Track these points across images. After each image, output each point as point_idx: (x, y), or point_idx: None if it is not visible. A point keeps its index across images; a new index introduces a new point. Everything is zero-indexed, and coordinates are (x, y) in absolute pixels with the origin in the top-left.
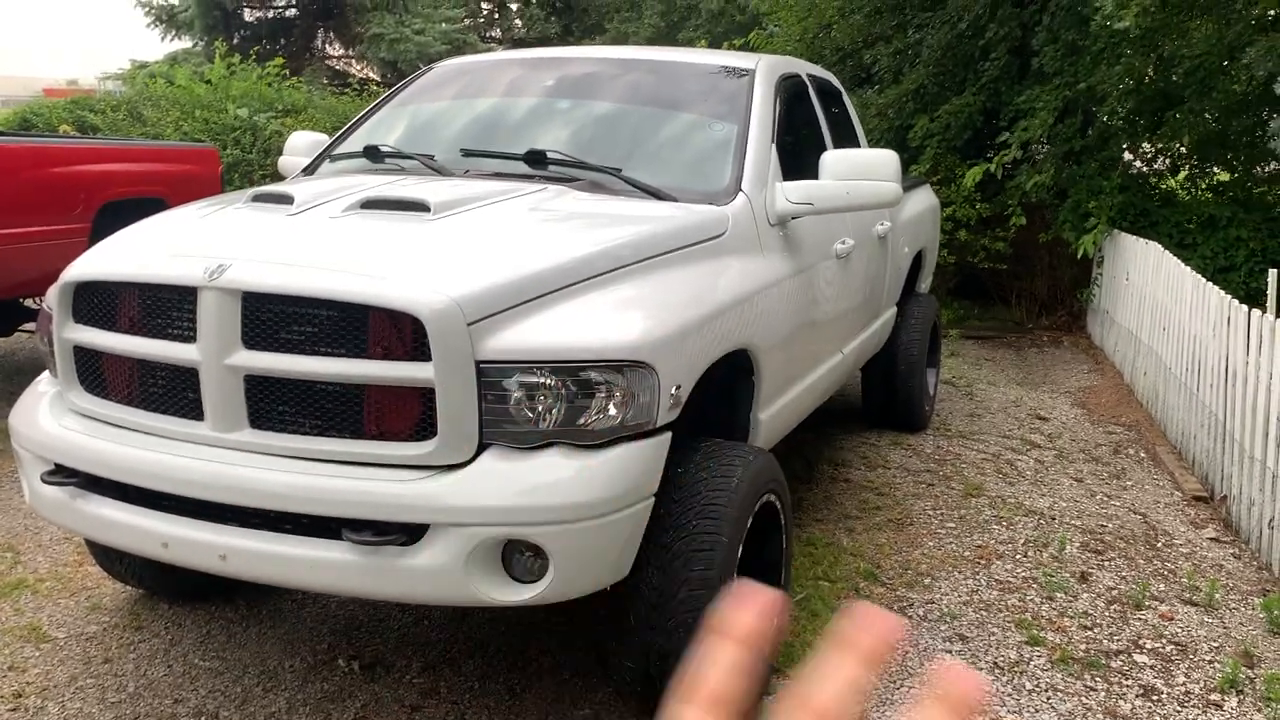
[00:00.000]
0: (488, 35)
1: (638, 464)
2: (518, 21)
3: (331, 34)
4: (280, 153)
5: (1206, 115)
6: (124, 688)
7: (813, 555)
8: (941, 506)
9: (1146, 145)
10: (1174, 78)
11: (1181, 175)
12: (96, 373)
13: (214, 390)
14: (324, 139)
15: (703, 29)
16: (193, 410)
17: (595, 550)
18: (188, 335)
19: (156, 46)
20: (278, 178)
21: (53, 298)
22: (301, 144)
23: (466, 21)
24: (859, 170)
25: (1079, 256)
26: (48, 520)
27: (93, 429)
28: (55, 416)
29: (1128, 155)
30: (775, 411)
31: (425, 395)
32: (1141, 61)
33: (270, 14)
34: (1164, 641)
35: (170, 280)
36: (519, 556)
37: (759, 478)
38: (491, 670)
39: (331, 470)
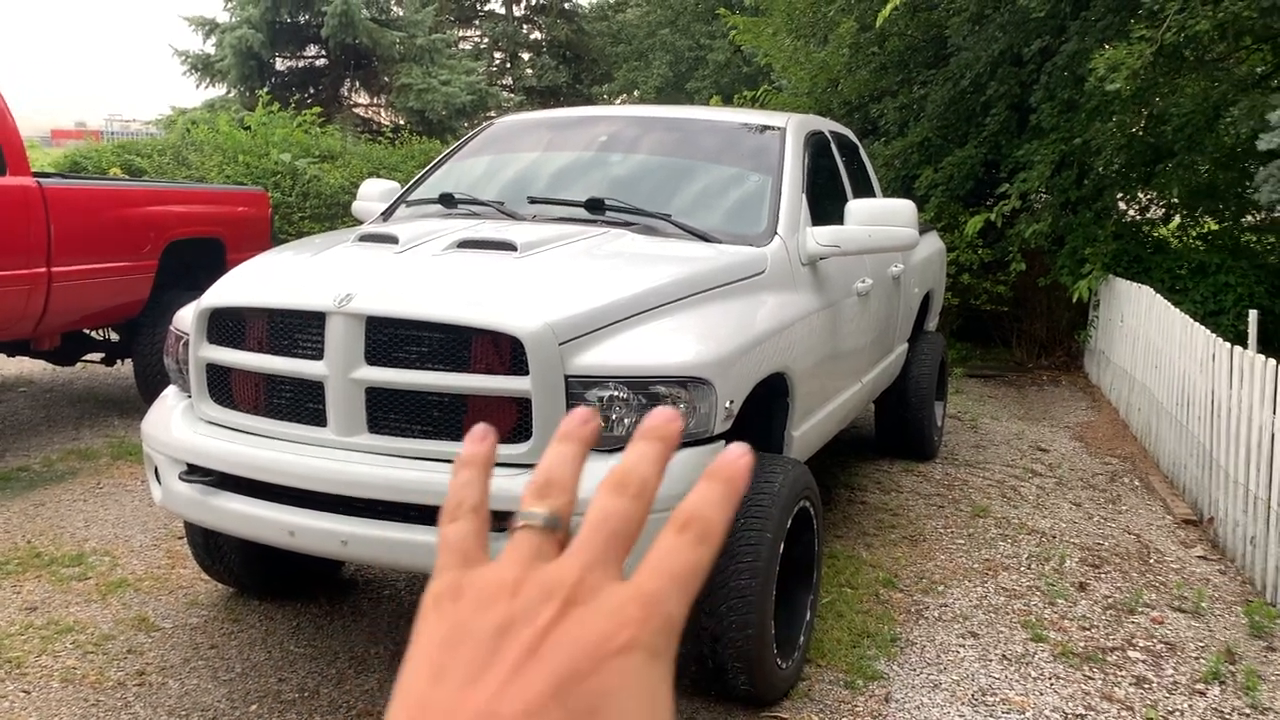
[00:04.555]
0: (499, 83)
1: (698, 467)
2: (529, 71)
3: (358, 83)
4: (318, 196)
5: (1197, 167)
6: (231, 669)
7: (835, 566)
8: (951, 526)
9: (1140, 195)
10: (1165, 133)
11: (1173, 224)
12: (224, 387)
13: (338, 400)
14: (394, 186)
15: (709, 79)
16: (315, 418)
17: None
18: (315, 353)
19: (159, 93)
20: (317, 219)
21: (187, 322)
22: (374, 191)
23: (481, 72)
24: (880, 217)
25: (1075, 300)
26: (180, 515)
27: (224, 435)
28: (188, 425)
29: (1122, 205)
30: (805, 431)
31: (520, 404)
32: (1133, 118)
33: (301, 63)
34: (1155, 641)
35: (303, 306)
36: None
37: (796, 485)
38: None
39: (438, 467)
